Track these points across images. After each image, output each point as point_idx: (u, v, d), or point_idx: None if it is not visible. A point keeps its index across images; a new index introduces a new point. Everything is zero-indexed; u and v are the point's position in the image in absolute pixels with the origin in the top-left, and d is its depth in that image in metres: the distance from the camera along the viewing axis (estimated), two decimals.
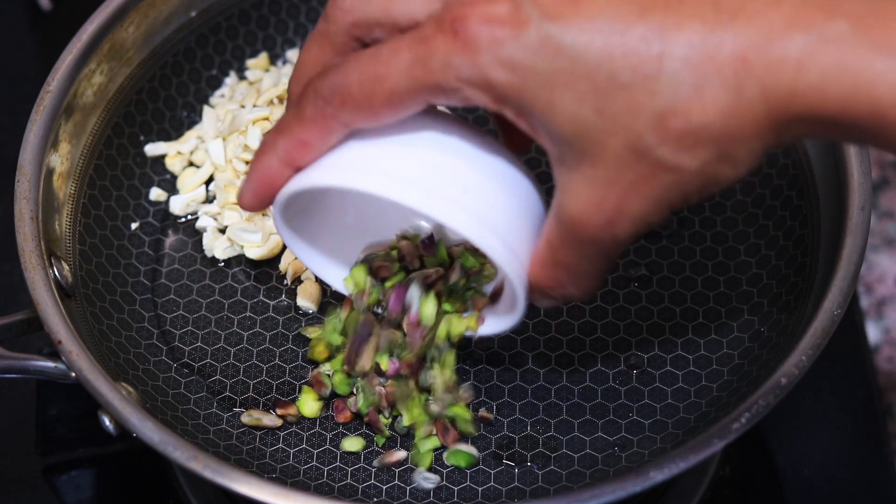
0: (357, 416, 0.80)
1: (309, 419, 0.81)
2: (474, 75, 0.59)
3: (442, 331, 0.75)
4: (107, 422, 0.73)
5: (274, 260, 0.89)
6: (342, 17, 0.65)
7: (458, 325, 0.75)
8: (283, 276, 0.88)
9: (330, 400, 0.82)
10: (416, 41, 0.60)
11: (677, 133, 0.57)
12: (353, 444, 0.80)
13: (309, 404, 0.81)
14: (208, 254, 0.89)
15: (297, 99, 0.65)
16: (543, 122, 0.60)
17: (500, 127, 0.71)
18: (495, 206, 0.66)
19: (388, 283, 0.75)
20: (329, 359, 0.81)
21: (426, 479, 0.78)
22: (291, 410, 0.81)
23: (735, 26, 0.57)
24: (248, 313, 0.87)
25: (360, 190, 0.64)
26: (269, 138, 0.66)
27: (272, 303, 0.87)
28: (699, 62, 0.56)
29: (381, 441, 0.80)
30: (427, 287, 0.75)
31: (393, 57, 0.61)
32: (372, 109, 0.63)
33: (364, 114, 0.63)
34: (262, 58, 0.99)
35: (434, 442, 0.79)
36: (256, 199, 0.68)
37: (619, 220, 0.61)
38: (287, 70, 0.98)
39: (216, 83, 0.98)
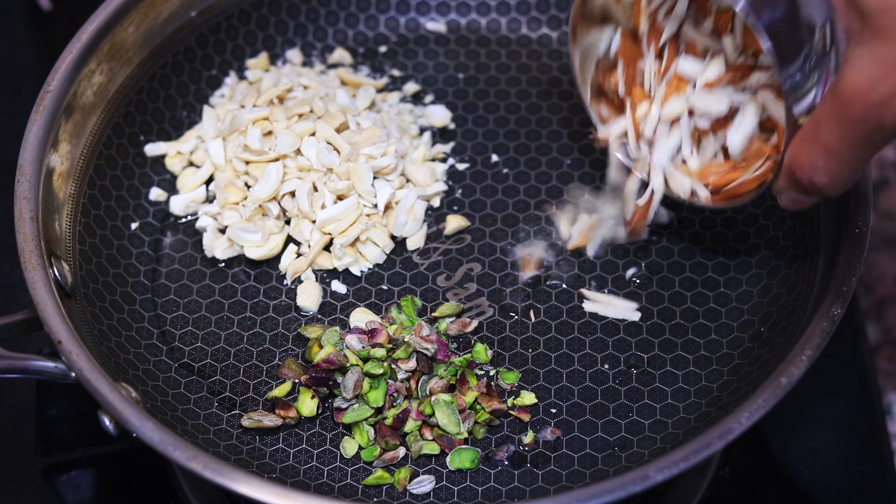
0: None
1: (309, 420, 0.81)
2: None
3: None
4: (107, 422, 0.73)
5: (274, 260, 0.89)
6: None
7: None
8: (283, 276, 0.88)
9: (327, 399, 0.82)
10: None
11: None
12: (352, 444, 0.80)
13: (307, 403, 0.81)
14: (208, 254, 0.89)
15: None
16: None
17: None
18: None
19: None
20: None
21: (419, 485, 0.79)
22: (291, 413, 0.81)
23: None
24: (248, 313, 0.87)
25: None
26: None
27: (272, 303, 0.87)
28: None
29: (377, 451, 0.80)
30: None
31: None
32: None
33: None
34: (262, 58, 0.99)
35: (432, 448, 0.80)
36: None
37: (890, 104, 0.63)
38: (287, 70, 0.98)
39: (216, 83, 0.98)
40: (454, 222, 0.90)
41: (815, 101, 0.71)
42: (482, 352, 0.83)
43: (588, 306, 0.86)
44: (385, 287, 0.88)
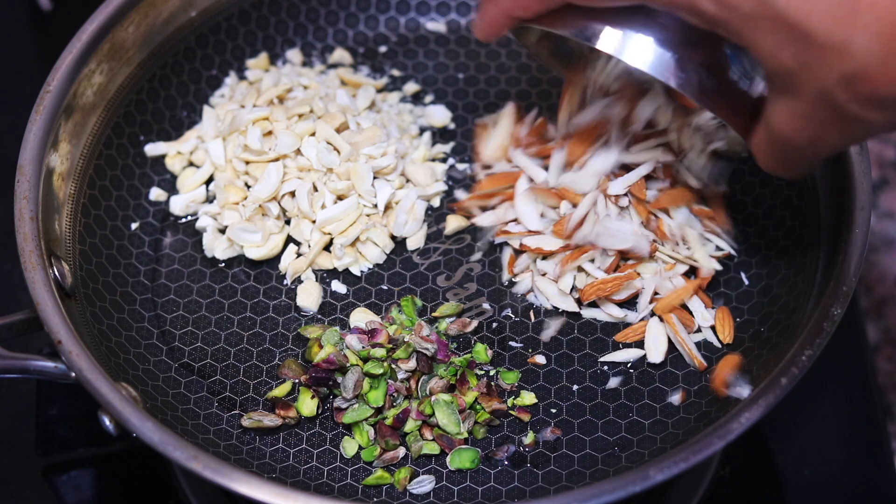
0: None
1: (309, 420, 0.81)
2: (685, 3, 0.66)
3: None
4: (107, 422, 0.73)
5: (274, 260, 0.89)
6: None
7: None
8: (283, 276, 0.88)
9: (327, 399, 0.82)
10: None
11: (865, 96, 0.62)
12: (352, 444, 0.80)
13: (307, 403, 0.81)
14: (208, 254, 0.89)
15: None
16: (749, 50, 0.66)
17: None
18: None
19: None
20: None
21: (419, 485, 0.79)
22: (291, 413, 0.81)
23: None
24: (248, 313, 0.87)
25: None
26: None
27: (272, 303, 0.87)
28: (889, 37, 0.60)
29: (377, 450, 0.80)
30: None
31: None
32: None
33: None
34: (262, 58, 0.99)
35: (432, 448, 0.80)
36: (486, 34, 0.78)
37: (819, 143, 0.67)
38: (287, 70, 0.98)
39: (216, 83, 0.98)
40: (454, 222, 0.90)
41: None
42: (482, 352, 0.84)
43: (586, 312, 0.86)
44: (385, 287, 0.88)
